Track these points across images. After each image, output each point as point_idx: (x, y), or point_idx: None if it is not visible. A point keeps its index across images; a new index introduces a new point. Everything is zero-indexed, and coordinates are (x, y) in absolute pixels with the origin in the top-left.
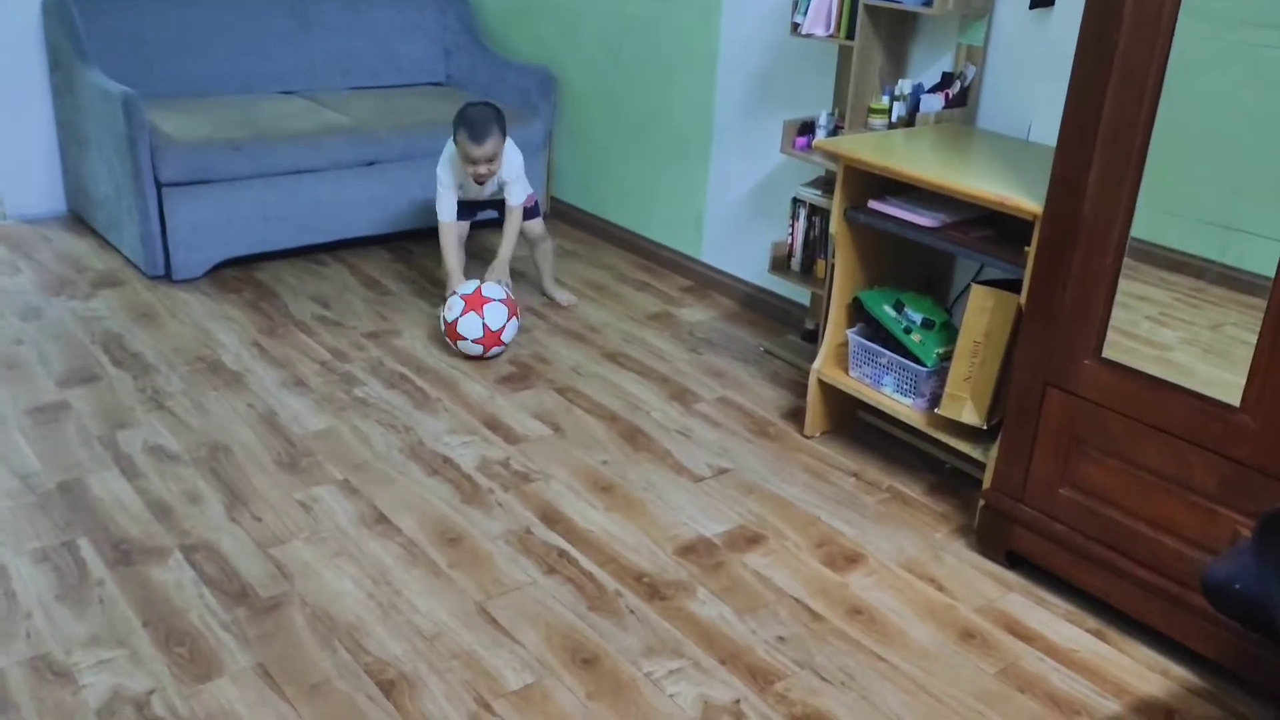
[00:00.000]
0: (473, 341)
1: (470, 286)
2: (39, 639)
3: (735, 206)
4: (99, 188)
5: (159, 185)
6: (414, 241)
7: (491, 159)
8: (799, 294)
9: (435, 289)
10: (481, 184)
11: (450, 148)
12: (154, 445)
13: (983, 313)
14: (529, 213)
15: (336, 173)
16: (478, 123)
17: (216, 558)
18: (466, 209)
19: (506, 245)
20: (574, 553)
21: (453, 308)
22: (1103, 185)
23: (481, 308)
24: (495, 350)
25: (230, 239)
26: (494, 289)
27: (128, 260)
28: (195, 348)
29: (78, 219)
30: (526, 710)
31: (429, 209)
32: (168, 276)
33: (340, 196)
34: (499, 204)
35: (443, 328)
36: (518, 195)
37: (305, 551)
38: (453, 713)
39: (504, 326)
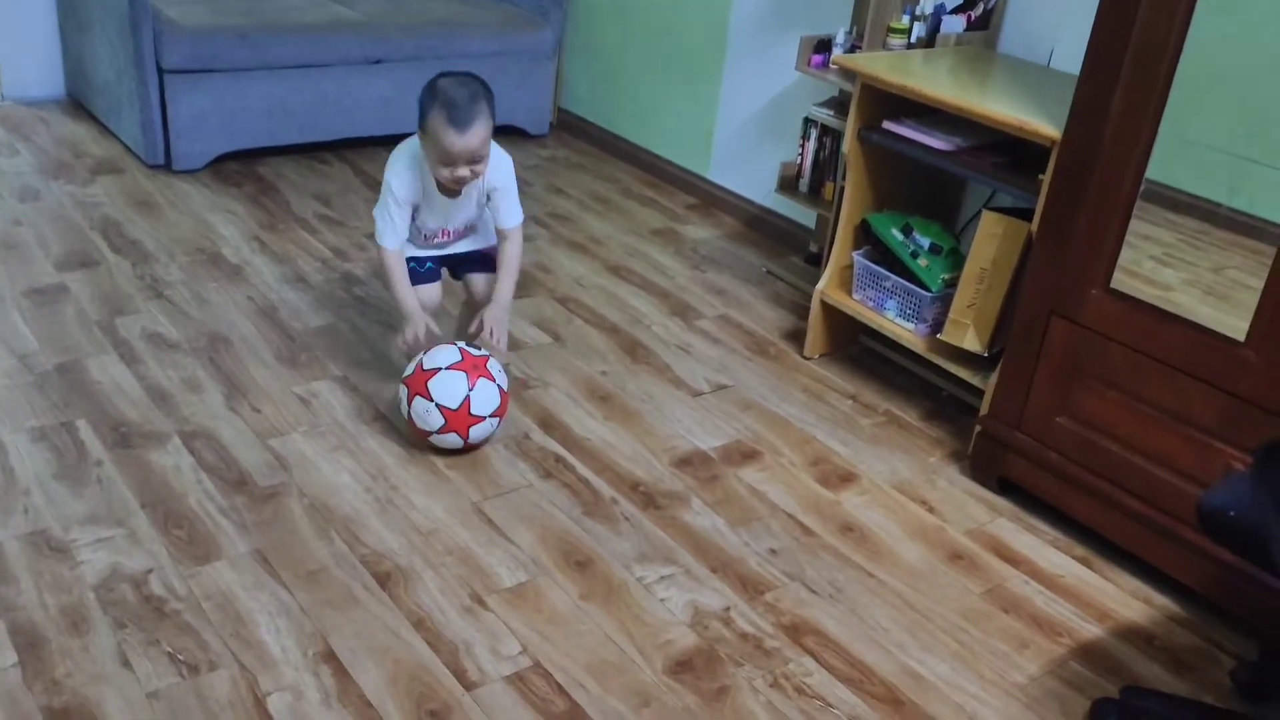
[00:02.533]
0: (435, 408)
1: (456, 392)
2: (37, 515)
3: (745, 125)
4: (99, 72)
5: (161, 72)
6: None
7: (478, 156)
8: (805, 216)
9: None
10: (455, 195)
11: (410, 147)
12: (153, 333)
13: (992, 239)
14: (488, 260)
15: (343, 69)
16: (461, 102)
17: (215, 445)
18: (424, 265)
19: (507, 280)
20: (571, 459)
21: (430, 419)
22: (1125, 112)
23: (467, 429)
24: (448, 439)
25: (233, 131)
26: (487, 397)
27: (127, 148)
28: (195, 239)
29: (76, 103)
30: (519, 607)
31: None
32: (168, 166)
33: (346, 94)
34: (470, 258)
35: (408, 372)
36: (512, 213)
37: (304, 444)
38: (447, 605)
39: (483, 419)
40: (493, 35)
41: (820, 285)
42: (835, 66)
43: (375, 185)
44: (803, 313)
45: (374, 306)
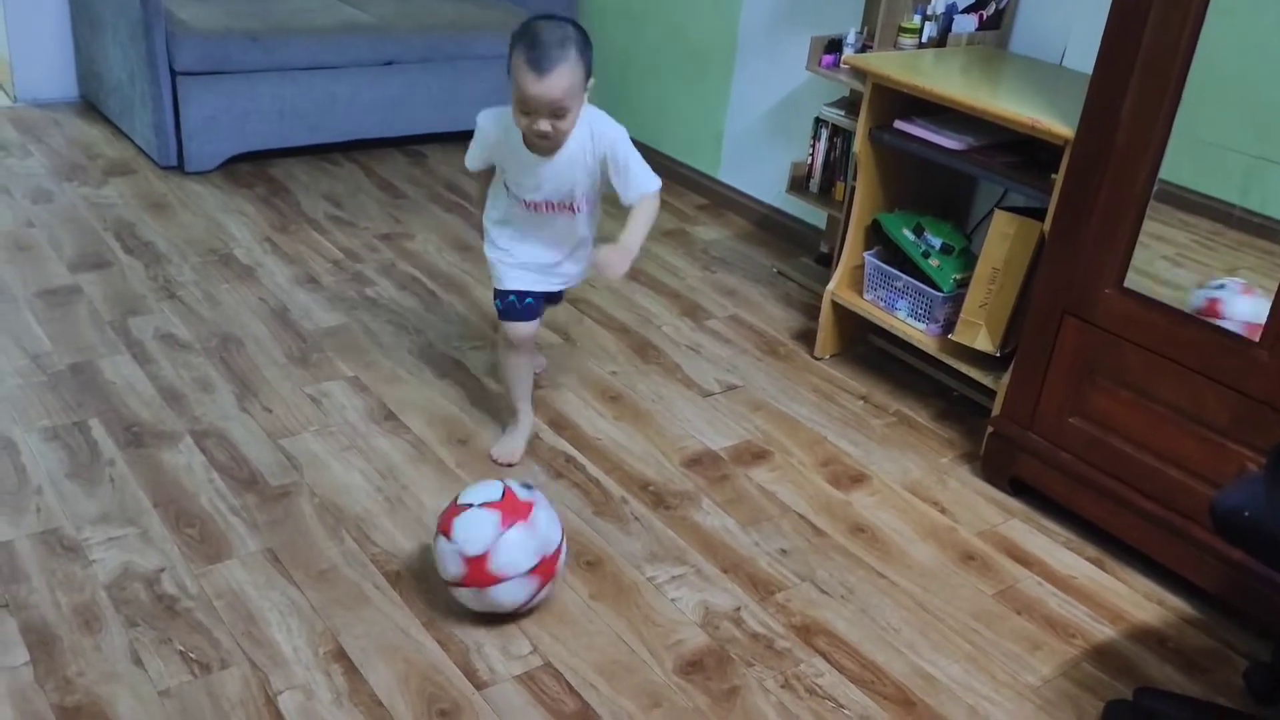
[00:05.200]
0: (455, 552)
1: (482, 536)
2: (49, 514)
3: (756, 125)
4: (112, 74)
5: (174, 74)
6: (429, 145)
7: (560, 108)
8: (815, 216)
9: (450, 194)
10: (543, 150)
11: (494, 113)
12: (165, 333)
13: (1004, 239)
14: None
15: (354, 71)
16: (546, 43)
17: (227, 445)
18: (525, 300)
19: (635, 225)
20: (581, 459)
21: (448, 566)
22: (1138, 112)
23: (511, 525)
24: (463, 594)
25: (244, 133)
26: (546, 521)
27: (140, 149)
28: (207, 240)
29: (89, 105)
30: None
31: (445, 112)
32: (180, 167)
33: (356, 96)
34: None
35: (448, 575)
36: (646, 179)
37: (315, 444)
38: (457, 605)
39: (507, 579)
40: (502, 37)
41: (831, 285)
42: (846, 66)
43: (386, 186)
44: (813, 313)
45: (385, 307)
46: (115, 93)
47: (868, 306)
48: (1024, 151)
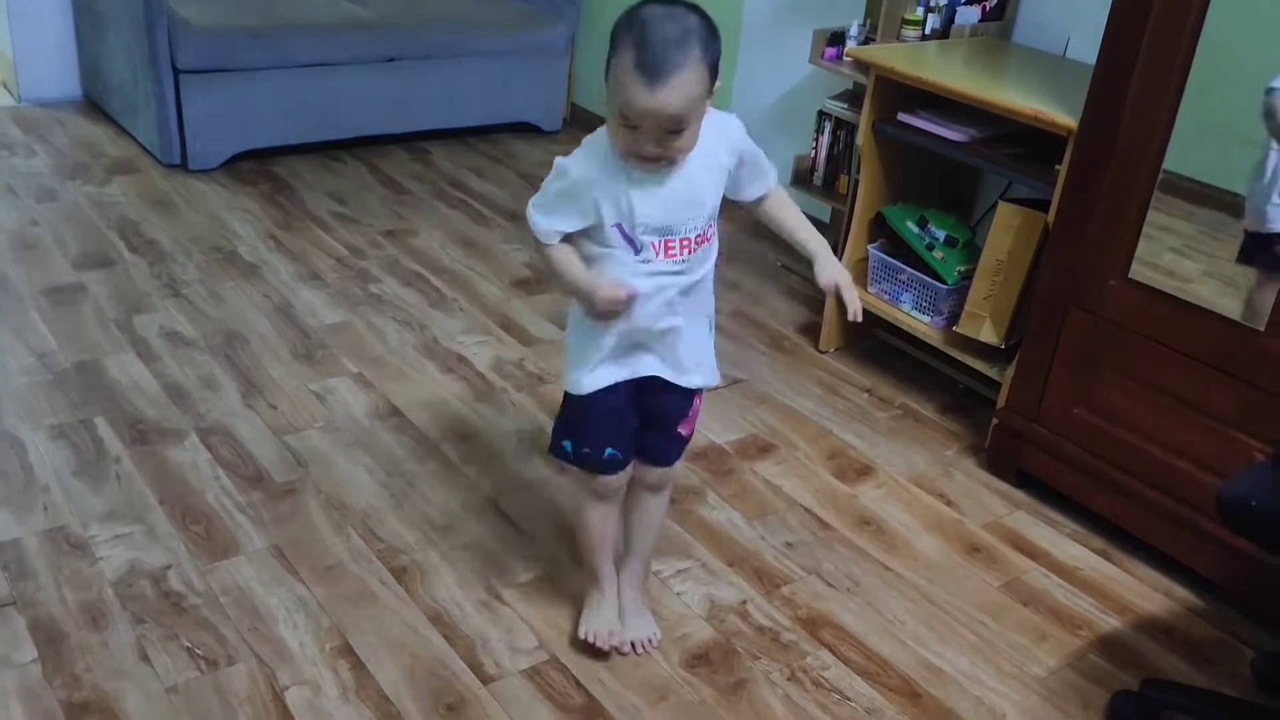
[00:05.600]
0: None
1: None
2: (56, 512)
3: (759, 119)
4: (115, 73)
5: (176, 72)
6: (432, 142)
7: (676, 125)
8: (819, 210)
9: (454, 191)
10: (659, 163)
11: (593, 138)
12: (170, 331)
13: (1008, 230)
14: (673, 449)
15: (356, 68)
16: (662, 40)
17: (232, 442)
18: (618, 415)
19: (806, 230)
20: None
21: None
22: (1142, 100)
23: None
24: None
25: (247, 131)
26: None
27: (143, 148)
28: (211, 238)
29: (92, 104)
30: (536, 600)
31: (449, 109)
32: (184, 166)
33: (359, 92)
34: (662, 416)
35: None
36: (773, 173)
37: (320, 440)
38: (463, 600)
39: None
40: (506, 33)
41: None
42: (849, 59)
43: (390, 183)
44: (817, 306)
45: (389, 304)
46: (118, 91)
47: (872, 299)
48: (1028, 143)
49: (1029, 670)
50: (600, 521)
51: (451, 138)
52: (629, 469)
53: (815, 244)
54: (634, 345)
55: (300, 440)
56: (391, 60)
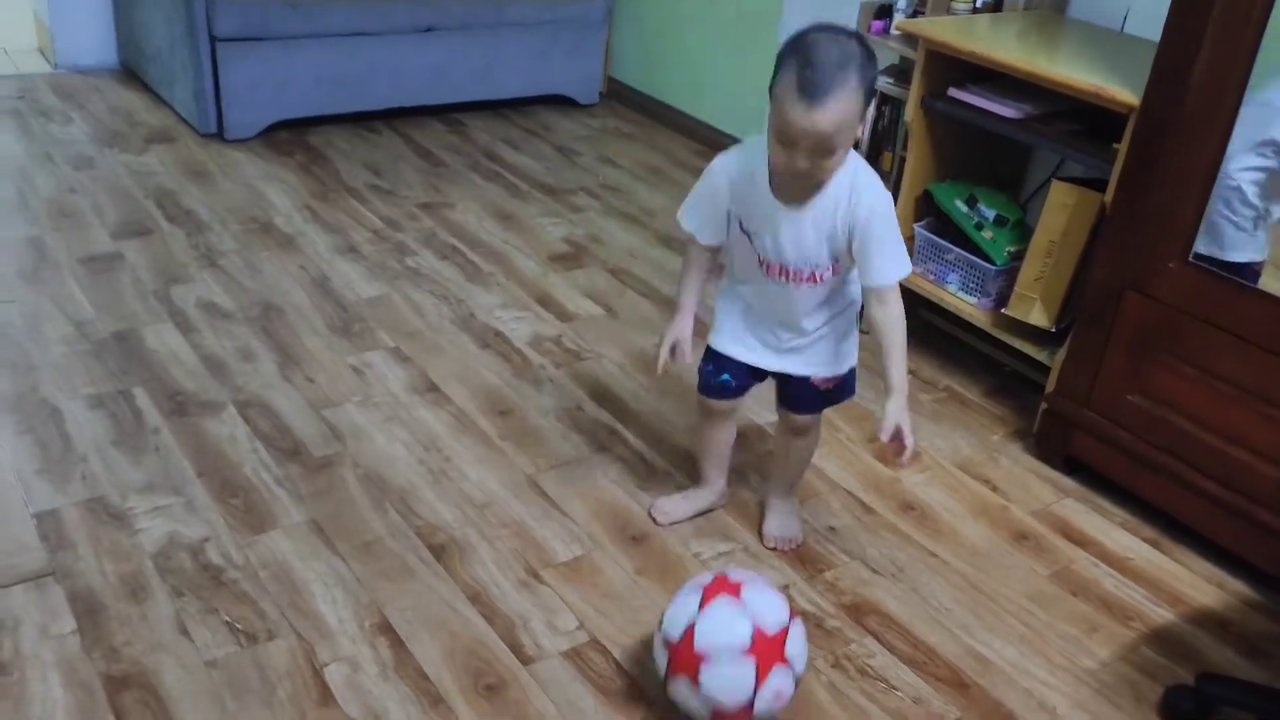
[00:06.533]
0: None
1: (725, 630)
2: (95, 482)
3: None
4: (152, 41)
5: (213, 40)
6: (468, 114)
7: (829, 145)
8: None
9: (490, 163)
10: (794, 203)
11: (749, 141)
12: (207, 301)
13: (1062, 210)
14: (831, 394)
15: (393, 37)
16: (823, 64)
17: (270, 415)
18: (738, 372)
19: (897, 357)
20: (624, 431)
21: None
22: (1208, 77)
23: (771, 666)
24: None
25: (284, 100)
26: (770, 604)
27: (180, 117)
28: (247, 208)
29: (129, 72)
30: (575, 581)
31: (486, 80)
32: (220, 135)
33: (396, 63)
34: (795, 384)
35: (660, 671)
36: (889, 265)
37: (357, 415)
38: (502, 579)
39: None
40: (543, 3)
41: None
42: (898, 32)
43: (426, 155)
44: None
45: (426, 277)
46: (155, 60)
47: (918, 280)
48: (1083, 120)
49: (1080, 662)
50: (709, 431)
51: (487, 109)
52: (736, 401)
53: (897, 379)
54: (755, 328)
55: (337, 414)
56: (429, 30)
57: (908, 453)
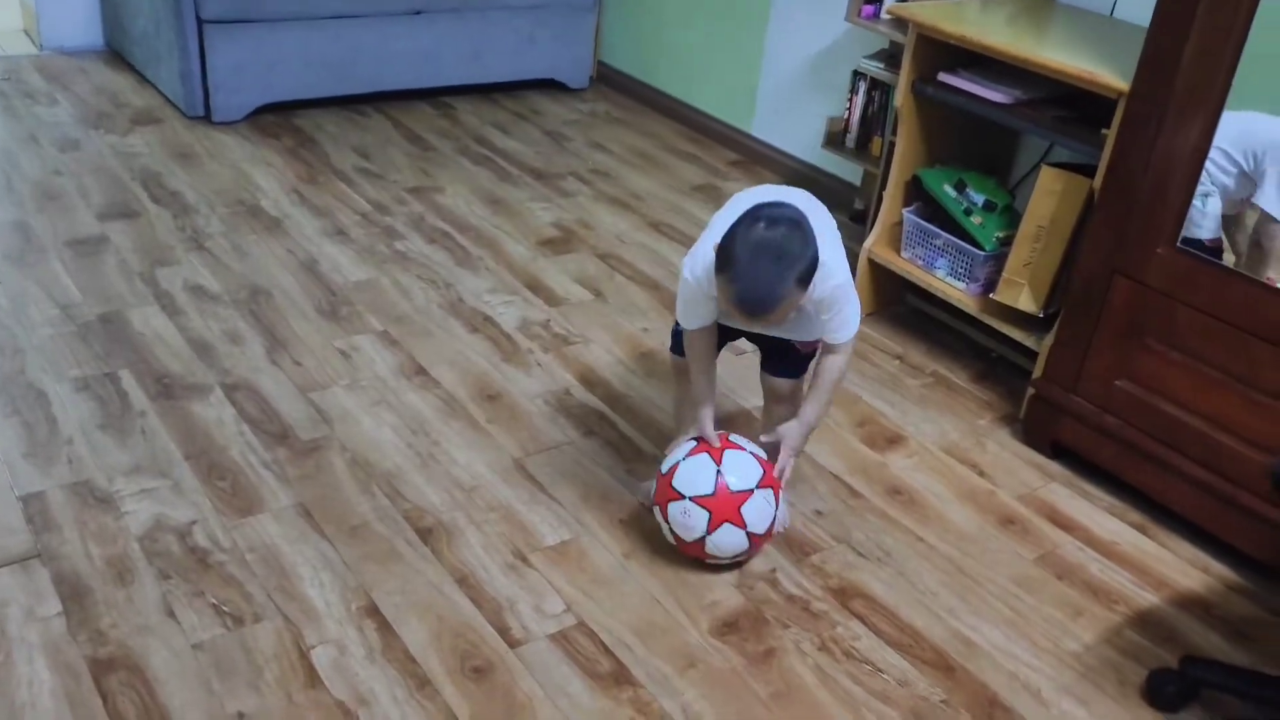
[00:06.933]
0: (732, 557)
1: (705, 477)
2: (80, 465)
3: (791, 79)
4: (137, 22)
5: (200, 22)
6: (458, 97)
7: (780, 322)
8: (850, 172)
9: (479, 148)
10: None
11: (702, 256)
12: (194, 284)
13: (1050, 196)
14: (802, 361)
15: (382, 20)
16: (761, 287)
17: (257, 398)
18: (713, 334)
19: (816, 399)
20: (613, 416)
21: (693, 521)
22: (1198, 62)
23: (738, 510)
24: (763, 547)
25: (271, 83)
26: (743, 467)
27: (166, 99)
28: (234, 190)
29: (115, 54)
30: (563, 565)
31: (475, 64)
32: (207, 117)
33: (384, 45)
34: (778, 349)
35: (669, 539)
36: (845, 327)
37: (345, 398)
38: (490, 562)
39: (773, 520)
40: None
41: (868, 243)
42: (888, 17)
43: (415, 138)
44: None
45: (415, 261)
46: (141, 41)
47: (906, 265)
48: (1072, 105)
49: (1064, 645)
50: (681, 400)
51: (477, 93)
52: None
53: (811, 414)
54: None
55: (325, 397)
56: (418, 13)
57: (781, 473)
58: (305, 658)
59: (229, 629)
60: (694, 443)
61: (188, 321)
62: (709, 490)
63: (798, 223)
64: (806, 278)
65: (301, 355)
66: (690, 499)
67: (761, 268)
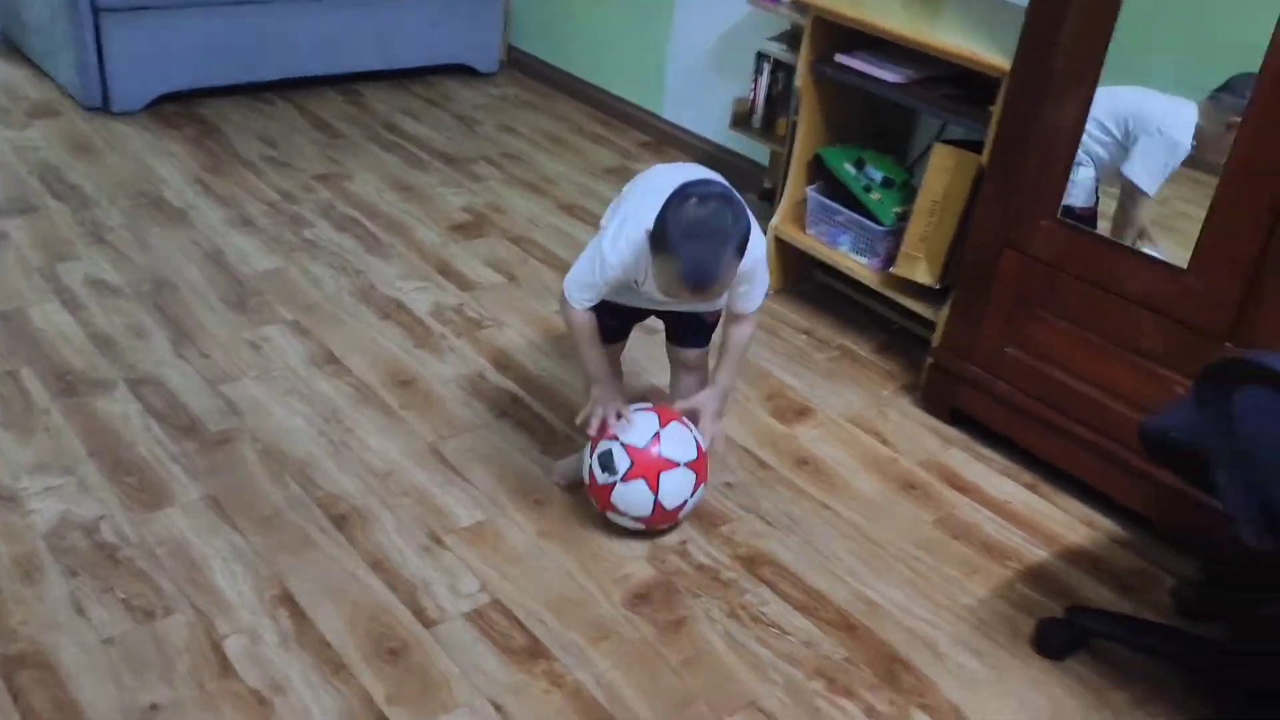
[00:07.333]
0: (631, 520)
1: (644, 430)
2: None
3: (698, 60)
4: (33, 12)
5: (96, 10)
6: (366, 84)
7: (719, 295)
8: (759, 153)
9: (389, 134)
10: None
11: (628, 241)
12: (95, 279)
13: (943, 172)
14: (709, 330)
15: (285, 5)
16: (706, 264)
17: (163, 392)
18: (622, 316)
19: (729, 364)
20: (526, 398)
21: (615, 462)
22: (1074, 42)
23: (657, 474)
24: (662, 528)
25: (171, 71)
26: (681, 441)
27: (64, 90)
28: (136, 183)
29: (10, 45)
30: (478, 545)
31: (383, 49)
32: (106, 108)
33: (288, 32)
34: (684, 321)
35: (585, 478)
36: (755, 297)
37: (255, 389)
38: (404, 546)
39: (684, 504)
40: None
41: (774, 221)
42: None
43: (323, 126)
44: None
45: (324, 249)
46: (37, 32)
47: (810, 241)
48: (964, 84)
49: (960, 601)
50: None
51: (385, 79)
52: (621, 344)
53: (725, 379)
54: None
55: (234, 389)
56: None
57: (703, 442)
58: (218, 648)
59: (139, 623)
60: (628, 460)
61: (90, 317)
62: (642, 443)
63: (727, 197)
64: (743, 248)
65: (209, 347)
66: (622, 443)
67: (703, 244)
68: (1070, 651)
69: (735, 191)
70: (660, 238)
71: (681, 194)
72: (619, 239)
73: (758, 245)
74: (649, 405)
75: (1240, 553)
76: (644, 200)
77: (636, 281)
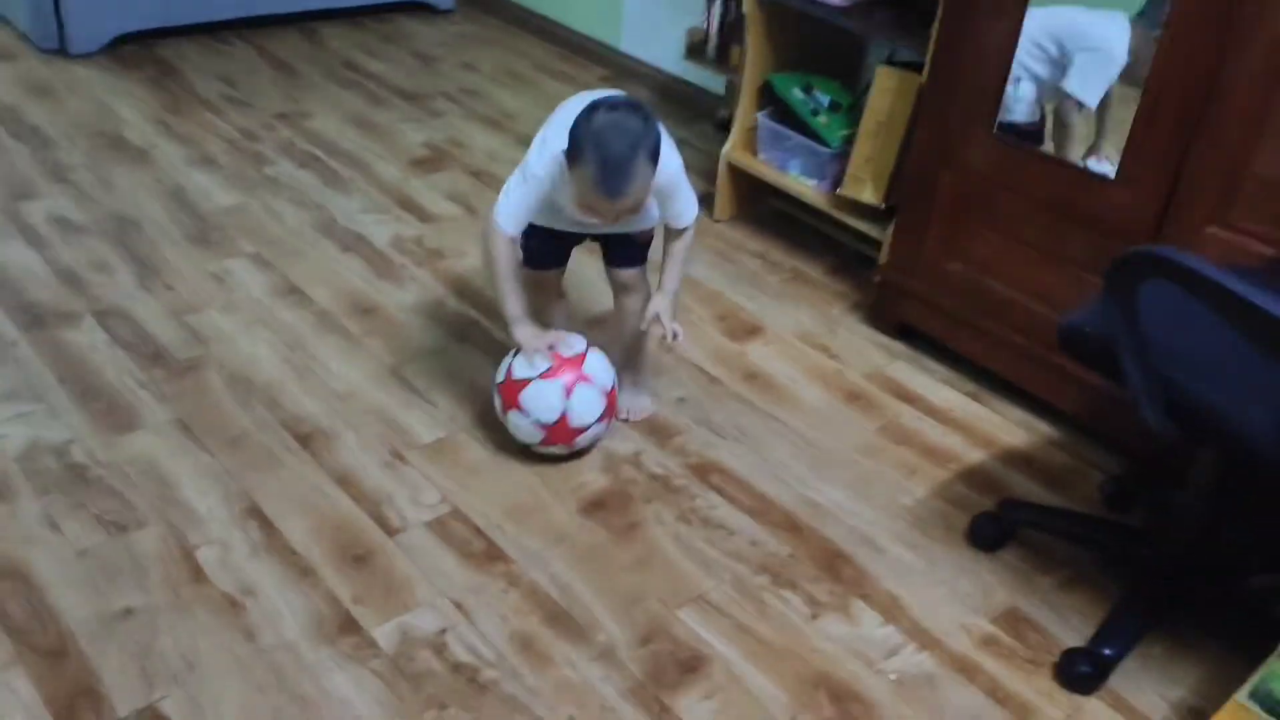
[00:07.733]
0: (532, 424)
1: (573, 344)
2: None
3: None
4: None
5: None
6: (323, 22)
7: (635, 209)
8: (714, 82)
9: (348, 72)
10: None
11: (551, 157)
12: (58, 216)
13: (886, 93)
14: (642, 250)
15: None
16: (617, 162)
17: (130, 323)
18: (557, 241)
19: (673, 269)
20: (485, 322)
21: (536, 359)
22: None
23: (574, 385)
24: (553, 449)
25: (127, 10)
26: (603, 367)
27: (19, 33)
28: (96, 123)
29: None
30: (438, 460)
31: None
32: (63, 50)
33: None
34: (618, 243)
35: (499, 377)
36: (686, 211)
37: (220, 319)
38: (368, 462)
39: (587, 428)
40: None
41: (726, 148)
42: None
43: (281, 65)
44: (712, 178)
45: (285, 185)
46: None
47: (762, 167)
48: (911, 6)
49: (899, 501)
50: (544, 304)
51: (343, 18)
52: (561, 269)
53: (669, 283)
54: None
55: (200, 319)
56: None
57: (668, 335)
58: (190, 557)
59: (111, 535)
60: (550, 361)
61: (55, 253)
62: (568, 353)
63: (635, 105)
64: (655, 153)
65: (173, 280)
66: (529, 421)
67: (614, 146)
68: (1002, 543)
69: (647, 106)
70: (575, 148)
71: (590, 108)
72: (543, 155)
73: (672, 158)
74: (551, 366)
75: (1156, 448)
76: (564, 127)
77: (559, 203)
